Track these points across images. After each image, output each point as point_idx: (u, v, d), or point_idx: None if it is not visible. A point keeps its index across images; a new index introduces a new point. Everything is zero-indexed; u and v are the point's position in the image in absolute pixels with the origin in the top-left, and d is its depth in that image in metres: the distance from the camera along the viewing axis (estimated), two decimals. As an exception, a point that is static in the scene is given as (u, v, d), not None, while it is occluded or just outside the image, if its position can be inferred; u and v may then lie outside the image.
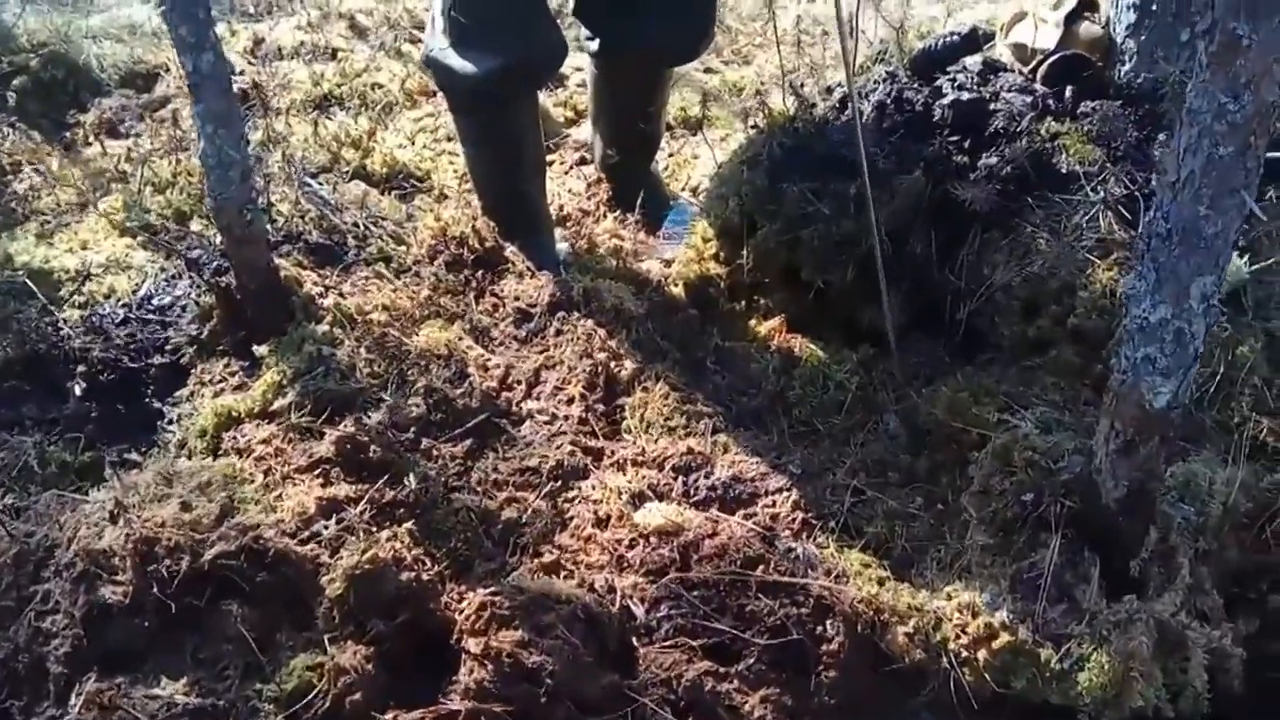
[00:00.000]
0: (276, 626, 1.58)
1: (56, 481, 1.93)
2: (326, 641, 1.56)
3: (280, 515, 1.70)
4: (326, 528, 1.69)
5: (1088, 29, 2.27)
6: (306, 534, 1.68)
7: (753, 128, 2.64)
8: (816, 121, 2.41)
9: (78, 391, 2.09)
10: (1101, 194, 2.07)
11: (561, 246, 2.73)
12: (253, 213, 2.05)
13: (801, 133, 2.40)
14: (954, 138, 2.22)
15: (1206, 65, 1.14)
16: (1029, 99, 2.24)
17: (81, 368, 2.14)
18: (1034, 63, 2.33)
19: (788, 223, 2.30)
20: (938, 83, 2.34)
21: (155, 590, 1.54)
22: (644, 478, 1.94)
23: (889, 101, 2.33)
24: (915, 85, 2.36)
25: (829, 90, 2.53)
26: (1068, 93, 2.23)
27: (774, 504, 1.89)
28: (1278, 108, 1.14)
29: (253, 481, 1.78)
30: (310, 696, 1.50)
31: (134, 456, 2.05)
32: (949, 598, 1.61)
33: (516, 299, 2.41)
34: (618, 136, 2.87)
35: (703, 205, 2.66)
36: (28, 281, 2.31)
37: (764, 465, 1.96)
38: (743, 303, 2.46)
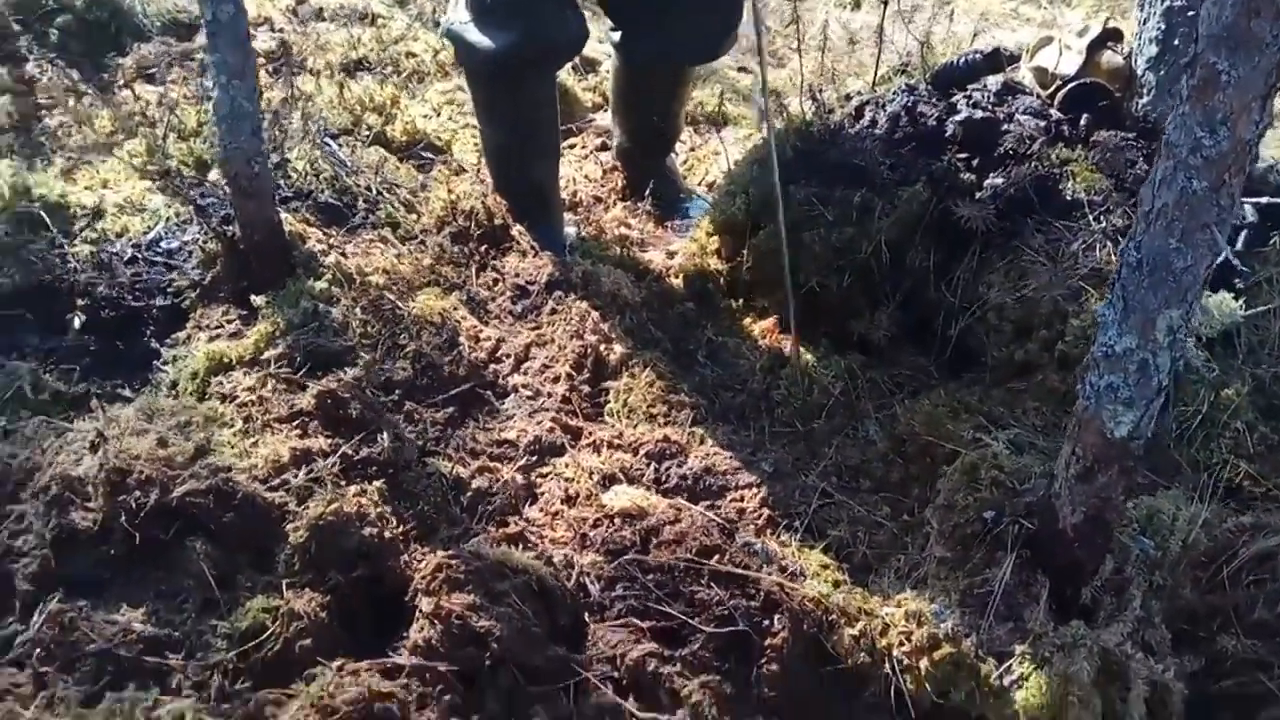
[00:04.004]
0: (237, 568, 1.62)
1: (48, 409, 1.97)
2: (284, 586, 1.59)
3: (254, 461, 1.74)
4: (296, 477, 1.73)
5: (1110, 59, 2.27)
6: (277, 481, 1.72)
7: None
8: (831, 128, 2.42)
9: (77, 324, 2.14)
10: (1104, 224, 2.06)
11: (569, 231, 2.76)
12: (260, 165, 2.08)
13: (815, 137, 2.41)
14: (963, 155, 2.23)
15: (1186, 98, 1.15)
16: (1042, 123, 2.24)
17: (84, 302, 2.19)
18: (1053, 88, 2.32)
19: (791, 225, 2.31)
20: (954, 99, 2.34)
21: (123, 520, 1.58)
22: (618, 461, 1.97)
23: (903, 113, 2.34)
24: (932, 100, 2.36)
25: (847, 98, 2.53)
26: (1083, 120, 2.23)
27: (742, 499, 1.91)
28: (1253, 147, 1.14)
29: (232, 426, 1.82)
30: (263, 637, 1.53)
31: (126, 393, 2.09)
32: (899, 605, 1.62)
33: (516, 275, 2.45)
34: (636, 127, 2.89)
35: (713, 201, 2.67)
36: (41, 213, 2.36)
37: (737, 460, 1.98)
38: (740, 300, 2.48)
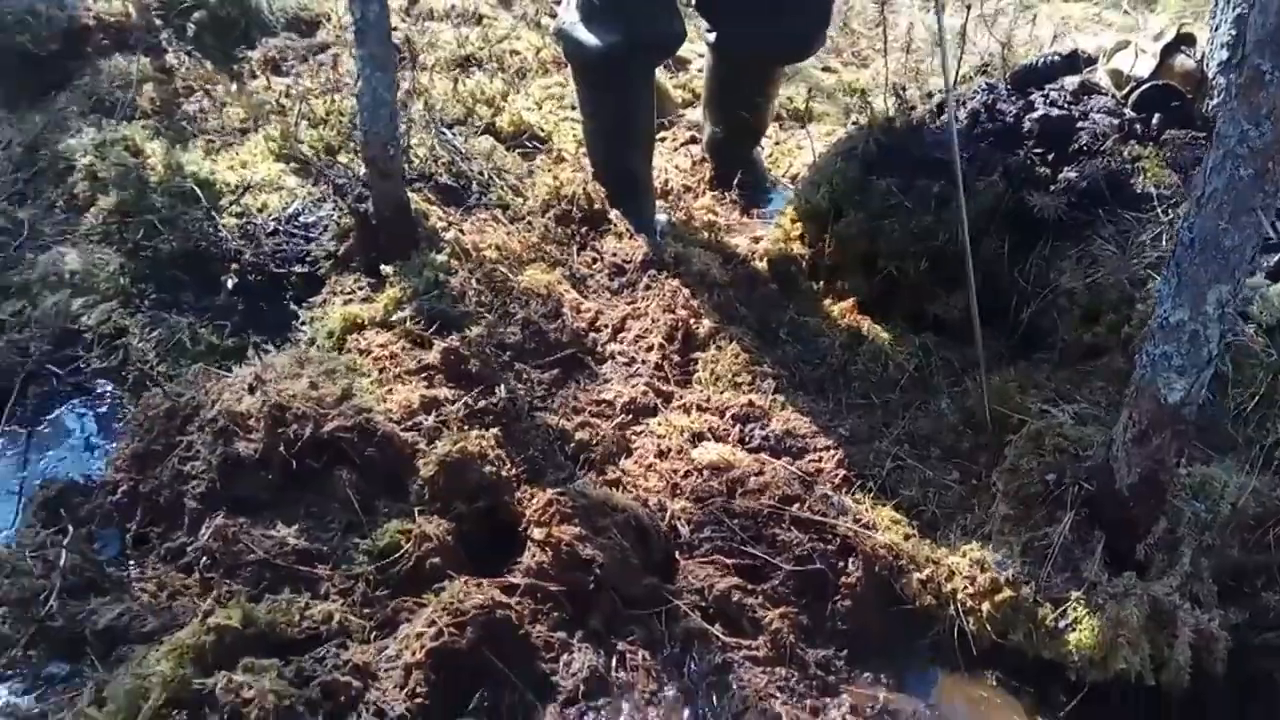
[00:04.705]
0: (376, 495, 1.85)
1: (204, 358, 2.24)
2: (416, 513, 1.82)
3: (389, 406, 1.97)
4: (426, 420, 1.95)
5: (1182, 62, 2.38)
6: (409, 423, 1.95)
7: (853, 124, 2.82)
8: (913, 123, 2.57)
9: (229, 286, 2.41)
10: (1171, 216, 2.18)
11: (660, 217, 2.95)
12: (395, 149, 2.32)
13: (898, 132, 2.57)
14: (1039, 149, 2.36)
15: (1234, 95, 1.29)
16: (1116, 121, 2.36)
17: (235, 267, 2.46)
18: (1128, 89, 2.44)
19: (872, 213, 2.48)
20: (1032, 97, 2.47)
21: (282, 449, 1.83)
22: (706, 422, 2.15)
23: (982, 110, 2.48)
24: (1011, 98, 2.50)
25: (929, 95, 2.68)
26: (1154, 120, 2.34)
27: (820, 459, 2.08)
28: (1297, 137, 1.28)
29: (369, 376, 2.06)
30: (398, 554, 1.76)
31: (269, 348, 2.35)
32: (964, 554, 1.78)
33: (614, 255, 2.65)
34: (726, 121, 3.08)
35: (797, 191, 2.85)
36: (195, 188, 2.64)
37: (816, 425, 2.15)
38: (820, 283, 2.64)
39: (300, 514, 1.82)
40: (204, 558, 1.77)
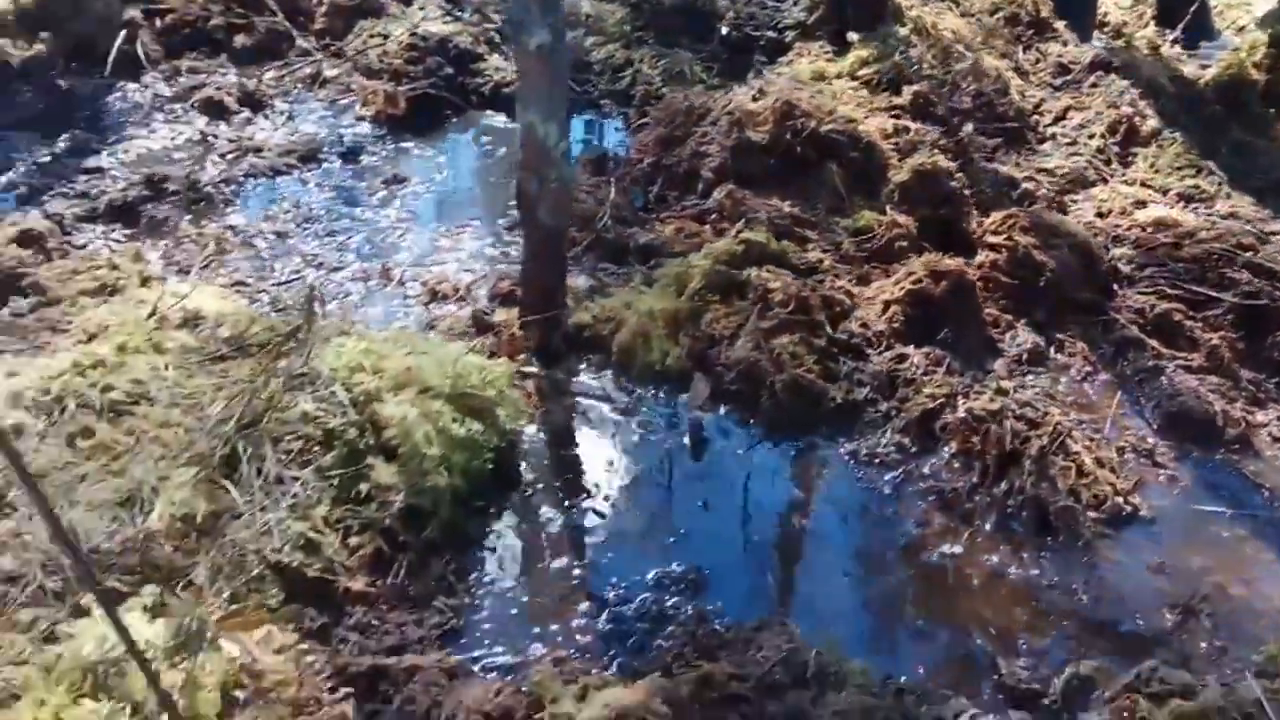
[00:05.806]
0: (856, 190, 2.18)
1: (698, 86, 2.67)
2: (888, 208, 2.14)
3: (868, 128, 2.29)
4: (901, 140, 2.25)
5: None
6: (887, 142, 2.26)
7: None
8: None
9: (723, 32, 2.82)
10: None
11: (1097, 43, 3.04)
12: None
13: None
14: None
15: None
16: None
17: (725, 18, 2.86)
18: None
19: (1350, 35, 2.46)
20: None
21: (787, 138, 2.20)
22: (1148, 195, 2.30)
23: None
24: None
25: None
26: None
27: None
28: None
29: (847, 106, 2.39)
30: (870, 235, 2.08)
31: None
32: None
33: (1059, 57, 2.80)
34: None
35: (1257, 21, 2.83)
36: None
37: (1261, 212, 2.24)
38: (1273, 110, 2.65)
39: (794, 192, 2.19)
40: (714, 213, 2.18)
